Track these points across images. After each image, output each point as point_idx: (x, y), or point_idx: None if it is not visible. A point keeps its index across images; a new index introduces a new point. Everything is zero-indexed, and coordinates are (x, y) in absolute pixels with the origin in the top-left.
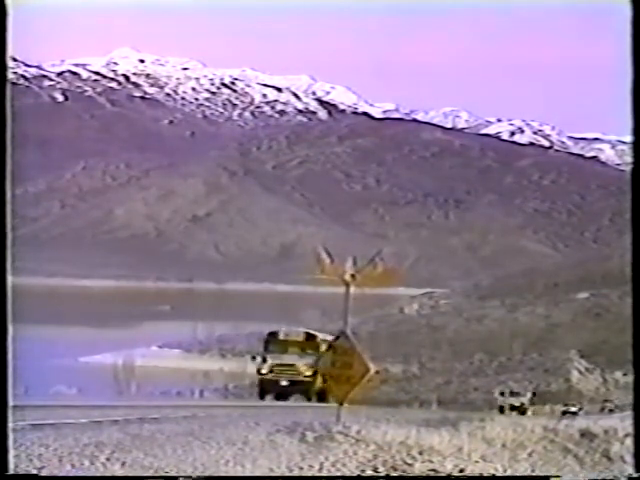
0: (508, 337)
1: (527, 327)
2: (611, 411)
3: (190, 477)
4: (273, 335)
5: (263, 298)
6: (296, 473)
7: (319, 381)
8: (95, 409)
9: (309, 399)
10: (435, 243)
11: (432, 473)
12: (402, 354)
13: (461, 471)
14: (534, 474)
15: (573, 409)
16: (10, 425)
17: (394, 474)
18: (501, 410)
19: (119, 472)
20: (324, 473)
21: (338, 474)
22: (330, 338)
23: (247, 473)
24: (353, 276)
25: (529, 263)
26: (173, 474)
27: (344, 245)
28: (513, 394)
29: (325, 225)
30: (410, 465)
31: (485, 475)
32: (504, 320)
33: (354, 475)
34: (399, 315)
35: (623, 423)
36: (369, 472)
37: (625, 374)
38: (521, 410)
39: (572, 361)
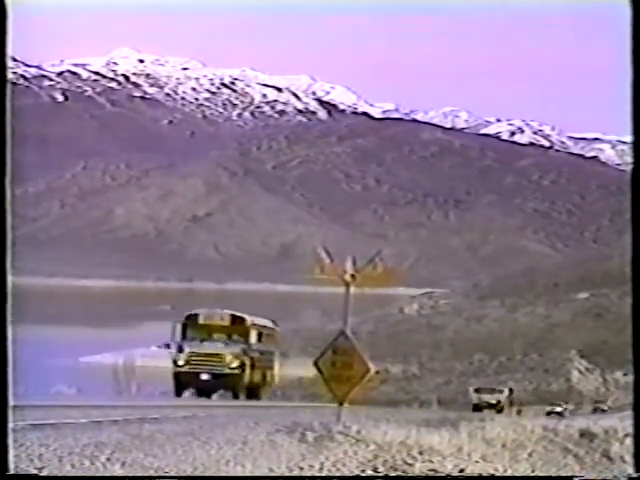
0: (508, 337)
1: (527, 327)
2: (603, 411)
3: (190, 477)
4: (192, 318)
5: (263, 298)
6: (296, 473)
7: (248, 374)
8: (95, 409)
9: (236, 396)
10: (435, 243)
11: (432, 473)
12: (402, 354)
13: (461, 471)
14: (534, 474)
15: (558, 409)
16: (10, 425)
17: (394, 474)
18: (476, 408)
19: (119, 472)
20: (324, 473)
21: (338, 474)
22: (261, 320)
23: (247, 473)
24: (353, 276)
25: (529, 263)
26: (173, 474)
27: (344, 245)
28: (490, 391)
29: (325, 225)
30: (410, 465)
31: (485, 475)
32: (504, 320)
33: (354, 475)
34: (399, 315)
35: (623, 423)
36: (369, 472)
37: (625, 374)
38: (498, 408)
39: (572, 361)
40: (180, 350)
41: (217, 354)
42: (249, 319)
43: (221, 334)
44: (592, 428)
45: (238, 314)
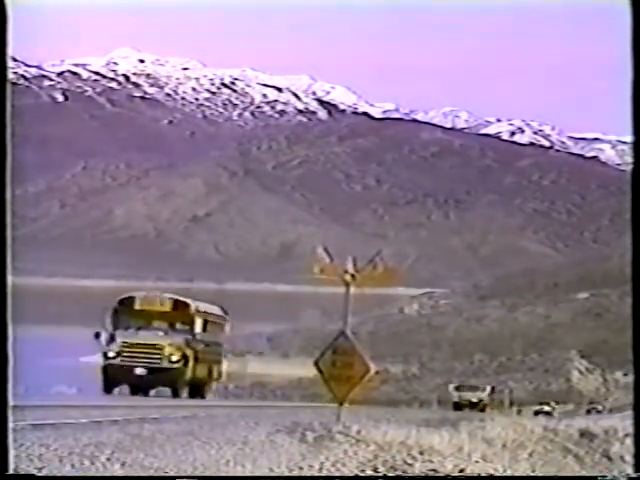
0: (508, 337)
1: (527, 327)
2: (598, 412)
3: (190, 477)
4: (126, 303)
5: (263, 298)
6: (296, 473)
7: (191, 368)
8: (95, 409)
9: (176, 393)
10: (435, 243)
11: (432, 473)
12: (402, 354)
13: (461, 471)
14: (534, 474)
15: (547, 408)
16: (10, 425)
17: (394, 474)
18: (456, 407)
19: (119, 472)
20: (324, 473)
21: (338, 474)
22: (209, 307)
23: (247, 473)
24: (353, 276)
25: (529, 263)
26: (173, 474)
27: (344, 245)
28: (471, 389)
29: (325, 225)
30: (410, 465)
31: (485, 475)
32: (504, 320)
33: (354, 475)
34: (399, 315)
35: (623, 423)
36: (369, 472)
37: (625, 374)
38: (480, 407)
39: (572, 361)
40: (111, 340)
41: (155, 345)
42: (193, 305)
43: (161, 322)
44: (592, 428)
45: (181, 299)
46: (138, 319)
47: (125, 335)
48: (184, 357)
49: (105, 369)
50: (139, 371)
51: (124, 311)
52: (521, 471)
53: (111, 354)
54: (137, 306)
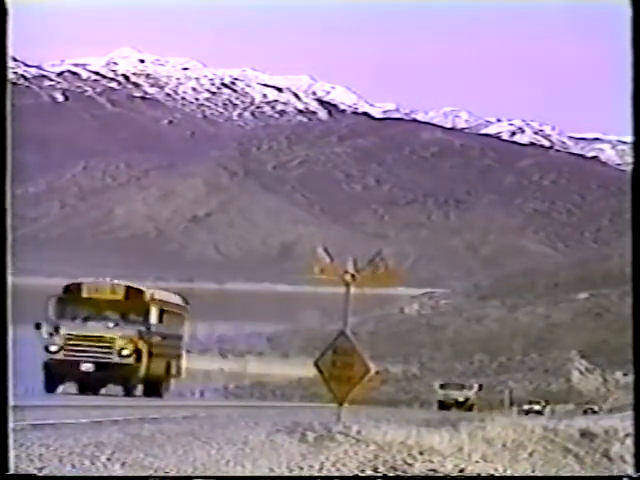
0: (508, 337)
1: (527, 327)
2: (594, 412)
3: (190, 477)
4: (72, 290)
5: (263, 298)
6: (296, 473)
7: (145, 364)
8: (95, 409)
9: (129, 392)
10: (435, 243)
11: (432, 473)
12: (402, 354)
13: (461, 471)
14: (534, 474)
15: (537, 407)
16: (10, 425)
17: (394, 474)
18: (442, 406)
19: (119, 472)
20: (324, 473)
21: (338, 474)
22: (166, 295)
23: (247, 473)
24: (353, 276)
25: (529, 263)
26: (173, 474)
27: (344, 245)
28: (457, 387)
29: (325, 225)
30: (410, 465)
31: (485, 475)
32: (504, 320)
33: (354, 475)
34: (399, 315)
35: (623, 423)
36: (369, 472)
37: (625, 374)
38: (467, 406)
39: (572, 361)
40: (55, 332)
41: (104, 337)
42: (149, 292)
43: (112, 311)
44: (592, 428)
45: (135, 286)
46: (86, 308)
47: (70, 326)
48: (137, 351)
49: (47, 365)
50: (85, 367)
51: (70, 299)
52: (521, 471)
53: (53, 348)
54: (85, 294)
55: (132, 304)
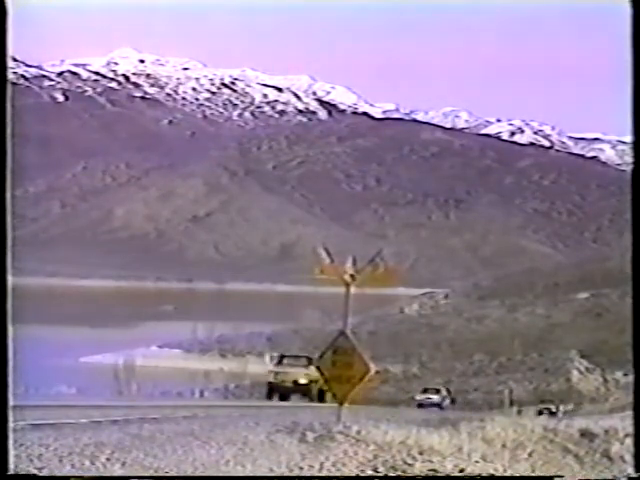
0: (508, 337)
1: (527, 327)
2: (553, 413)
3: (190, 477)
4: None
5: (263, 298)
6: (296, 473)
7: None
8: (95, 409)
9: None
10: (435, 243)
11: (432, 473)
12: (402, 354)
13: (461, 471)
14: (534, 474)
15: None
16: (10, 425)
17: (394, 474)
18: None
19: (119, 472)
20: (324, 473)
21: (338, 474)
22: None
23: (247, 473)
24: (353, 276)
25: (529, 263)
26: (173, 474)
27: (344, 245)
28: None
29: (325, 225)
30: (410, 465)
31: (485, 475)
32: (504, 320)
33: (354, 475)
34: (399, 315)
35: (623, 423)
36: (369, 472)
37: (625, 374)
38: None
39: (572, 361)
40: None
41: None
42: None
43: None
44: (592, 428)
45: None
46: None
47: None
48: None
49: None
50: None
51: None
52: (521, 471)
53: None
54: None
55: None
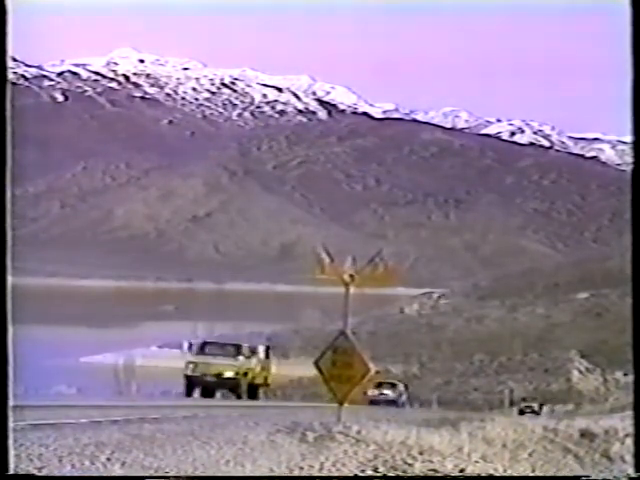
0: (508, 337)
1: (527, 327)
2: (535, 413)
3: (190, 477)
4: None
5: (263, 298)
6: (296, 473)
7: None
8: (95, 409)
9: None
10: (435, 243)
11: (432, 473)
12: (402, 354)
13: (461, 471)
14: (534, 474)
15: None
16: (10, 425)
17: (394, 474)
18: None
19: (119, 472)
20: (324, 473)
21: (338, 474)
22: None
23: (247, 473)
24: (353, 276)
25: (529, 263)
26: (173, 474)
27: (344, 245)
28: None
29: (325, 225)
30: (410, 465)
31: (485, 475)
32: (504, 320)
33: (354, 475)
34: (399, 315)
35: (623, 423)
36: (369, 472)
37: (625, 374)
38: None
39: (572, 361)
40: None
41: None
42: None
43: None
44: (592, 428)
45: None
46: None
47: None
48: None
49: None
50: None
51: None
52: (521, 471)
53: None
54: None
55: None
